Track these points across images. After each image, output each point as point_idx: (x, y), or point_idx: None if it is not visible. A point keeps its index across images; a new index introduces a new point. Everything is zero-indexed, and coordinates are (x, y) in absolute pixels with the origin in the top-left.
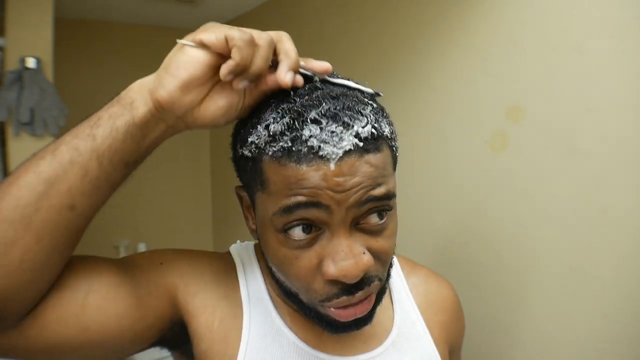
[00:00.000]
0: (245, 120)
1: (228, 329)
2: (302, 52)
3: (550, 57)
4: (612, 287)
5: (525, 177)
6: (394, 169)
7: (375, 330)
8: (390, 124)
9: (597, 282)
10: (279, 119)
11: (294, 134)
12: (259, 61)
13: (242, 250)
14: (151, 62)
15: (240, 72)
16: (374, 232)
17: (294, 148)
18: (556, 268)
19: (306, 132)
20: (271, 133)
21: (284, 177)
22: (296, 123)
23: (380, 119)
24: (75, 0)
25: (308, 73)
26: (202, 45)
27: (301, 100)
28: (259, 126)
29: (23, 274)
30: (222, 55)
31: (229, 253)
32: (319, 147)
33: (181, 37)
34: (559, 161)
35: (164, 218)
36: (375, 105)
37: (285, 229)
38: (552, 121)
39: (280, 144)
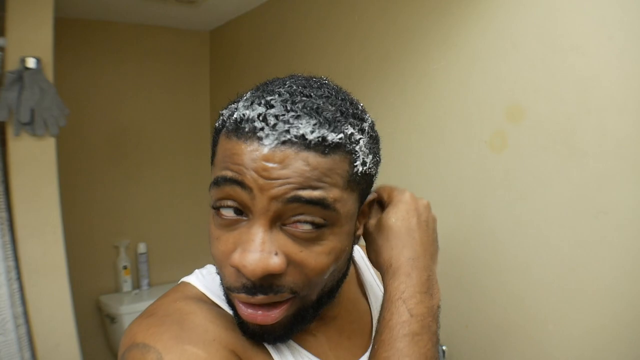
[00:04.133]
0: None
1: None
2: (302, 52)
3: (550, 57)
4: (612, 287)
5: (525, 177)
6: (353, 187)
7: (357, 327)
8: (365, 141)
9: (597, 282)
10: (244, 100)
11: (244, 111)
12: None
13: (211, 282)
14: (151, 62)
15: None
16: (302, 240)
17: (241, 125)
18: (556, 268)
19: (255, 112)
20: (233, 109)
21: (223, 150)
22: (254, 103)
23: (347, 130)
24: (75, 0)
25: None
26: None
27: (274, 87)
28: (232, 105)
29: None
30: None
31: (201, 296)
32: (261, 128)
33: (181, 37)
34: (559, 161)
35: (164, 218)
36: (355, 120)
37: (217, 206)
38: (552, 121)
39: (233, 118)
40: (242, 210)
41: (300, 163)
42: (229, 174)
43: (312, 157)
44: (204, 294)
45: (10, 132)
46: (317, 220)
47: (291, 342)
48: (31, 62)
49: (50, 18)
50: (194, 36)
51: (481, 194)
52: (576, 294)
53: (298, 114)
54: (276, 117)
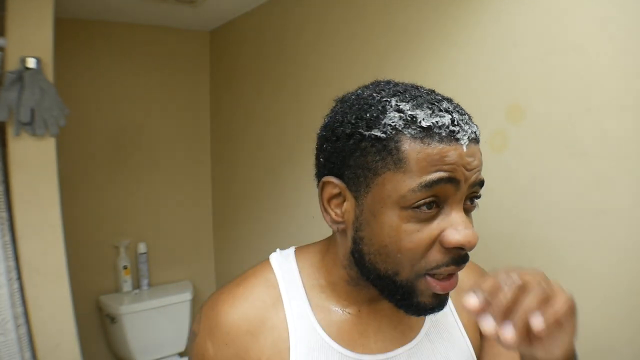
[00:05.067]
0: (364, 106)
1: (277, 352)
2: (302, 52)
3: (550, 57)
4: (612, 287)
5: (525, 177)
6: None
7: (411, 322)
8: None
9: (597, 282)
10: (415, 106)
11: (435, 119)
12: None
13: (283, 261)
14: (151, 62)
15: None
16: (469, 212)
17: (435, 130)
18: (556, 268)
19: (446, 119)
20: (411, 117)
21: (427, 155)
22: (435, 111)
23: None
24: (75, 0)
25: None
26: None
27: (424, 94)
28: (389, 111)
29: None
30: None
31: (270, 267)
32: (457, 131)
33: (181, 37)
34: (559, 161)
35: (164, 218)
36: None
37: (416, 206)
38: (552, 121)
39: (422, 125)
40: (438, 203)
41: (479, 154)
42: (444, 175)
43: (479, 148)
44: (274, 274)
45: (10, 132)
46: (479, 195)
47: (317, 327)
48: (31, 62)
49: (50, 18)
50: (194, 36)
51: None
52: (576, 294)
53: (466, 115)
54: (461, 120)
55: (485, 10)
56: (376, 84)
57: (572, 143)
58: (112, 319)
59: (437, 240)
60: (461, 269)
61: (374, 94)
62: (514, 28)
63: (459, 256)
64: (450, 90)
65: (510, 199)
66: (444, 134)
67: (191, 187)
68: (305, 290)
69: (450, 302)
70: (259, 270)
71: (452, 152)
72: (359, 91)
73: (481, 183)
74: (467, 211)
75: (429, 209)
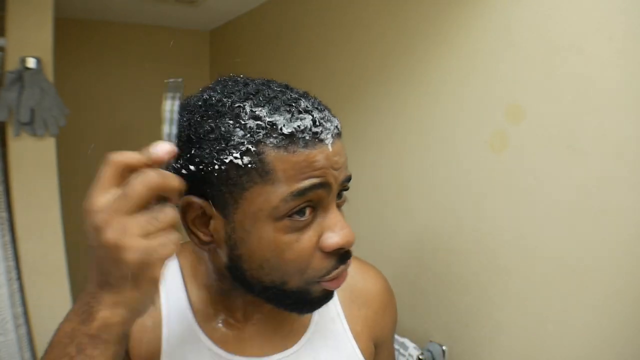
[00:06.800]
0: (215, 115)
1: (148, 340)
2: (301, 53)
3: (550, 57)
4: (612, 287)
5: (525, 177)
6: None
7: (294, 327)
8: None
9: (597, 282)
10: (272, 110)
11: (296, 123)
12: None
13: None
14: (151, 62)
15: None
16: (339, 208)
17: (298, 135)
18: (556, 268)
19: (307, 120)
20: (270, 124)
21: (294, 163)
22: (294, 113)
23: None
24: (75, 0)
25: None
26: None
27: (279, 93)
28: (245, 119)
29: None
30: None
31: None
32: (320, 132)
33: (181, 37)
34: (559, 161)
35: None
36: None
37: (291, 214)
38: (552, 121)
39: (284, 132)
40: (312, 207)
41: (343, 149)
42: (315, 181)
43: (342, 142)
44: None
45: (10, 132)
46: (347, 188)
47: (192, 320)
48: (31, 62)
49: (50, 18)
50: (194, 36)
51: (481, 194)
52: (576, 294)
53: (326, 110)
54: (322, 118)
55: (484, 10)
56: (223, 86)
57: (572, 143)
58: None
59: (317, 245)
60: (348, 265)
61: (224, 99)
62: (513, 28)
63: (341, 256)
64: (450, 91)
65: (510, 199)
66: (307, 138)
67: None
68: (187, 292)
69: (340, 311)
70: None
71: (319, 156)
72: (205, 96)
73: (349, 178)
74: (339, 207)
75: (302, 216)
